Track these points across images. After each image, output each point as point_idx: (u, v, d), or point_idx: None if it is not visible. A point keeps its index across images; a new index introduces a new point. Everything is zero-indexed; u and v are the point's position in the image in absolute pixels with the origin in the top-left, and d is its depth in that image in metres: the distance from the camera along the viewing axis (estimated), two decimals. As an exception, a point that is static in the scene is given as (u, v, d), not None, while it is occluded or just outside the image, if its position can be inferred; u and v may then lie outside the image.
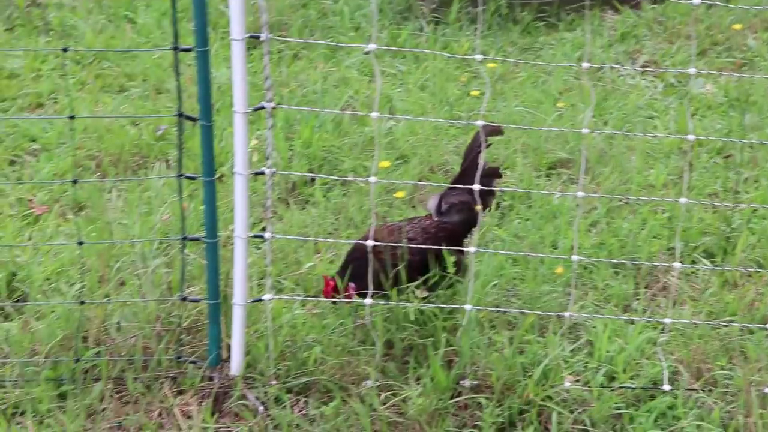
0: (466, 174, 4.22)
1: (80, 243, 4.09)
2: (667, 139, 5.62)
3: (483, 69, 4.21)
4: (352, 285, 4.13)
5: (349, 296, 4.14)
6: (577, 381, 4.00)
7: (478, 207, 4.08)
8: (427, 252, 4.11)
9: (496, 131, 4.45)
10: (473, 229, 4.33)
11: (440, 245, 4.13)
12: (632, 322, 4.22)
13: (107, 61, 6.60)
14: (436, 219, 4.30)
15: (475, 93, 6.14)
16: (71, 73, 6.45)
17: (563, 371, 3.98)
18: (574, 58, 6.61)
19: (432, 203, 4.35)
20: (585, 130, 3.88)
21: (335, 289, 4.15)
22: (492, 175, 4.30)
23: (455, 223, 4.30)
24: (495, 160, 5.50)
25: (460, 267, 4.22)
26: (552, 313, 4.14)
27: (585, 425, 3.84)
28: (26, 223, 5.06)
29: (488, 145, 4.27)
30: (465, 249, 4.19)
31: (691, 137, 3.88)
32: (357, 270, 4.09)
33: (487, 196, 4.26)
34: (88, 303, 4.15)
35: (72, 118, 4.04)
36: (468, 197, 4.21)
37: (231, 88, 3.79)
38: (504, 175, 5.41)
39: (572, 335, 4.26)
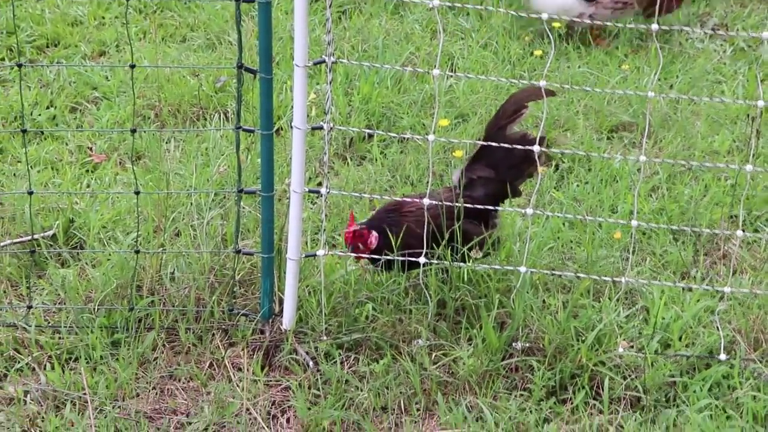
0: (491, 143, 3.97)
1: (137, 192, 4.09)
2: (734, 104, 5.48)
3: (548, 28, 4.12)
4: (374, 234, 4.05)
5: (368, 245, 4.06)
6: (631, 347, 3.95)
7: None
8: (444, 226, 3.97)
9: (538, 96, 4.04)
10: (502, 202, 4.15)
11: (459, 219, 3.97)
12: (690, 289, 4.14)
13: (170, 11, 6.60)
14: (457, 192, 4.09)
15: (538, 53, 6.04)
16: (134, 22, 6.46)
17: (617, 337, 3.93)
18: (641, 20, 6.48)
19: (455, 176, 4.18)
20: (650, 94, 3.79)
21: (356, 235, 4.05)
22: (529, 144, 3.88)
23: (477, 198, 4.11)
24: (556, 122, 5.42)
25: (483, 245, 4.08)
26: (608, 278, 4.07)
27: (637, 392, 3.79)
28: (85, 171, 5.09)
29: (521, 114, 4.04)
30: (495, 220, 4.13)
31: (760, 103, 3.77)
32: (384, 226, 4.04)
33: (522, 166, 4.07)
34: (143, 252, 4.17)
35: (132, 67, 4.02)
36: (490, 172, 4.10)
37: (292, 40, 3.76)
38: (565, 137, 5.34)
39: (628, 301, 4.20)
